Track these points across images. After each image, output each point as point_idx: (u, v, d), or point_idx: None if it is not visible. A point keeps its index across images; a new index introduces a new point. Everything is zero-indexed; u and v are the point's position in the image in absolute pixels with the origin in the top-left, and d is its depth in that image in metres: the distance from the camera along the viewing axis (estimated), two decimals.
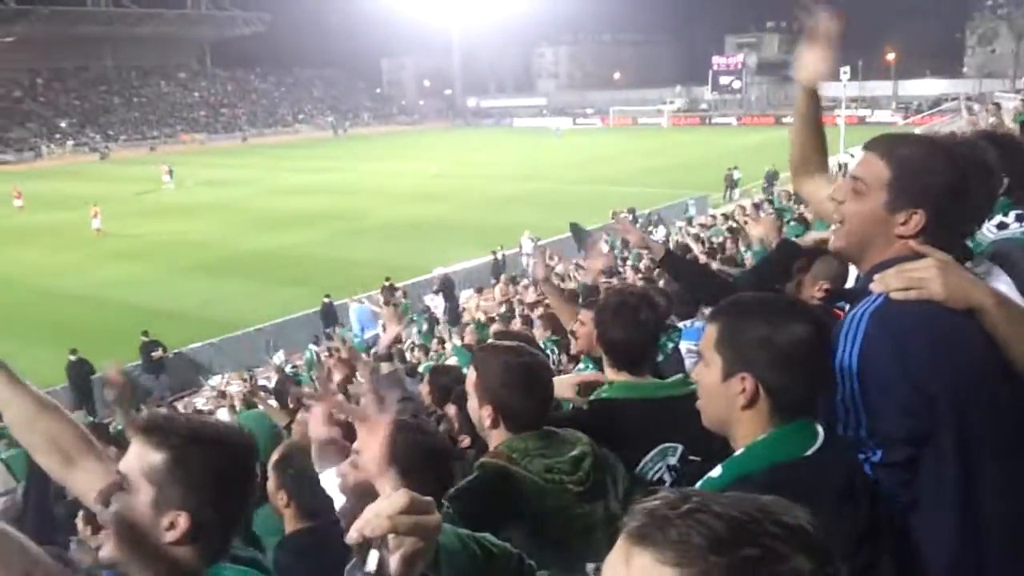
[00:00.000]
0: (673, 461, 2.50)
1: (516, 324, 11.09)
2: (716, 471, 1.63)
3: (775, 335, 1.60)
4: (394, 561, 1.08)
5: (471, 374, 2.29)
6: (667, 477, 2.49)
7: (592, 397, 2.71)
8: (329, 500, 2.77)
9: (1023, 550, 1.76)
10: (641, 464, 2.47)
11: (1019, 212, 2.79)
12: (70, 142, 74.87)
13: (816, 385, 1.67)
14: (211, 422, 1.76)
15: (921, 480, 1.72)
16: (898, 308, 1.73)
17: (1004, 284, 2.05)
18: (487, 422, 2.21)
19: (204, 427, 1.64)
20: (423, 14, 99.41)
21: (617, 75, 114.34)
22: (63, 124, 79.10)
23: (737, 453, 1.65)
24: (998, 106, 17.62)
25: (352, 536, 1.09)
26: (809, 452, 1.60)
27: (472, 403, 2.28)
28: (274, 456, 2.97)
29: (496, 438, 2.21)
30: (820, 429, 1.65)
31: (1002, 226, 2.78)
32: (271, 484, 2.90)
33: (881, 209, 1.82)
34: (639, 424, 2.51)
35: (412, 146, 66.61)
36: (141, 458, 1.56)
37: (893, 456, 1.69)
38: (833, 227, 1.97)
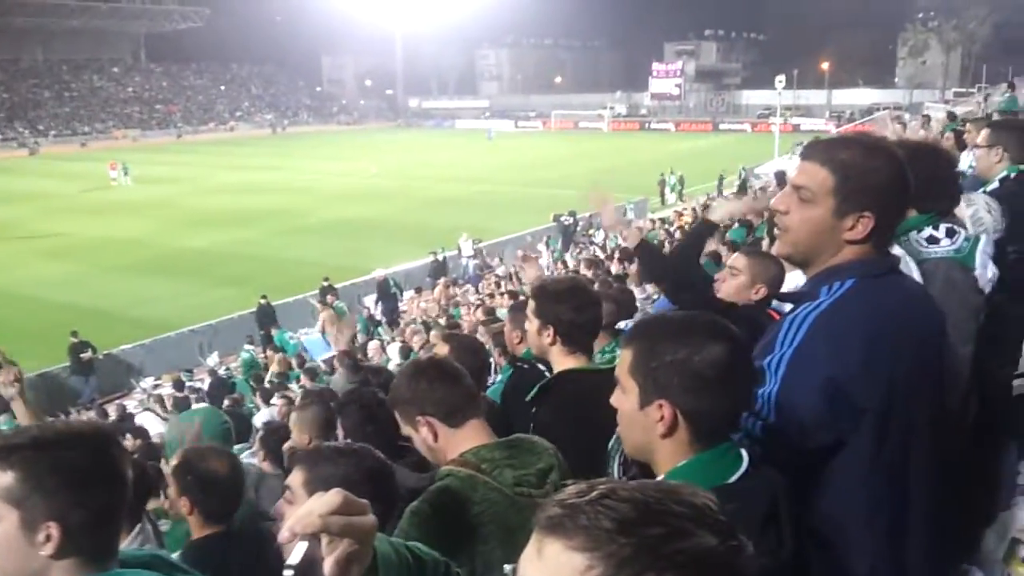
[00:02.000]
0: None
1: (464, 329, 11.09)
2: None
3: (690, 358, 1.52)
4: (328, 564, 1.07)
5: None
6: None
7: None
8: (237, 503, 2.74)
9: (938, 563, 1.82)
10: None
11: (948, 227, 2.77)
12: None
13: (738, 405, 1.61)
14: (55, 425, 1.71)
15: (836, 491, 1.75)
16: (844, 312, 1.75)
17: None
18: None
19: (45, 432, 1.57)
20: (365, 12, 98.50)
21: (559, 79, 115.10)
22: None
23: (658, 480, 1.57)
24: (927, 117, 18.22)
25: (283, 535, 1.07)
26: (732, 479, 1.54)
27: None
28: (172, 462, 2.91)
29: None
30: (743, 453, 1.58)
31: (932, 240, 2.74)
32: (172, 491, 2.84)
33: (829, 216, 1.81)
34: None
35: (352, 146, 66.06)
36: None
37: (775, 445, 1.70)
38: (776, 232, 1.95)
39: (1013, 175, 3.63)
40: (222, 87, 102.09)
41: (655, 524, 0.84)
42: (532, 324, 2.79)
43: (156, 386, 15.41)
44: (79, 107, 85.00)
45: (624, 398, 1.61)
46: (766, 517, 1.52)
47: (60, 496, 1.49)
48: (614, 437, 2.31)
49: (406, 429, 2.25)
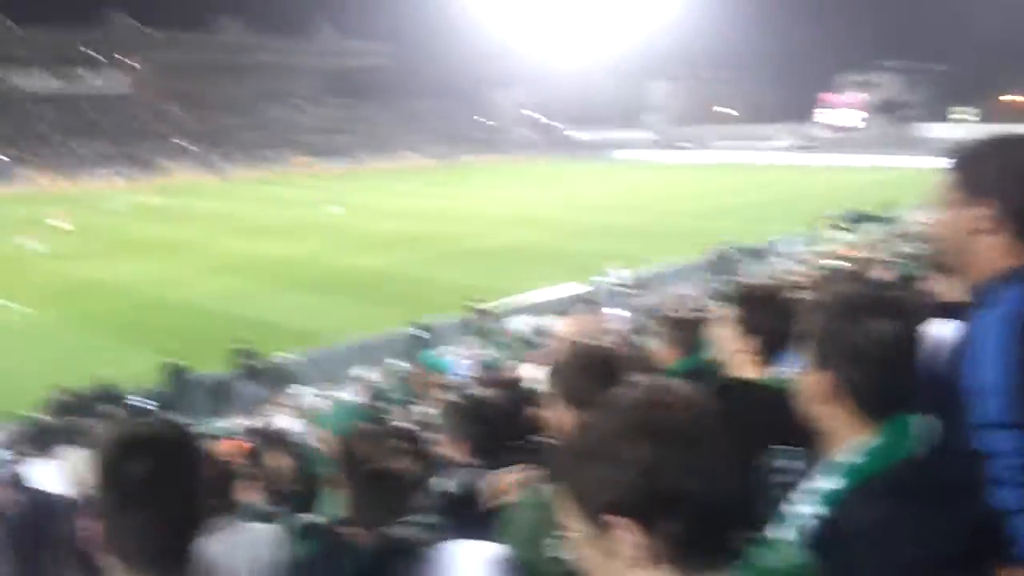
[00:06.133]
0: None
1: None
2: (836, 481, 1.61)
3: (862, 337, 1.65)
4: None
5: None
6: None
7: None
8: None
9: None
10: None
11: None
12: (191, 161, 79.05)
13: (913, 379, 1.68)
14: (137, 424, 1.70)
15: None
16: None
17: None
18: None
19: (122, 431, 1.60)
20: (532, 44, 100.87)
21: (727, 110, 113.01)
22: (191, 146, 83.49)
23: (857, 460, 1.63)
24: None
25: None
26: (925, 444, 1.61)
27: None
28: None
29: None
30: (926, 420, 1.64)
31: None
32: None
33: (956, 211, 1.81)
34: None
35: (517, 175, 67.39)
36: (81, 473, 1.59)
37: None
38: None
39: None
40: (397, 119, 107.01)
41: None
42: (729, 332, 2.64)
43: (313, 396, 16.12)
44: (267, 135, 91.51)
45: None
46: (968, 481, 1.55)
47: (107, 497, 1.53)
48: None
49: None
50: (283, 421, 11.18)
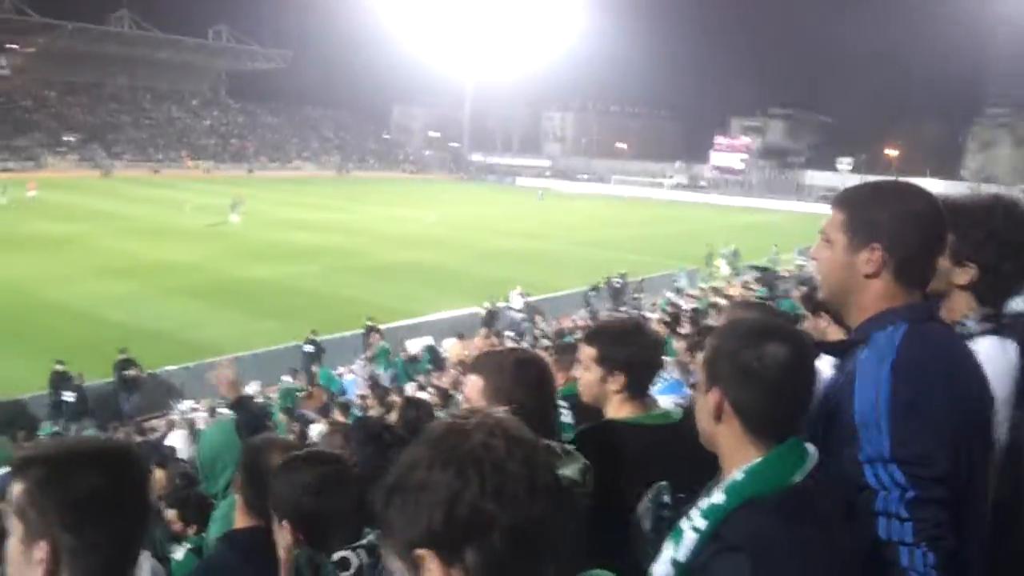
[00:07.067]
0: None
1: None
2: (718, 497, 1.62)
3: (753, 360, 1.65)
4: None
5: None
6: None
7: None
8: None
9: None
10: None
11: None
12: (74, 155, 75.31)
13: (802, 405, 1.71)
14: (79, 441, 1.64)
15: None
16: (919, 355, 1.76)
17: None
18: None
19: (63, 448, 1.50)
20: (437, 64, 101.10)
21: (622, 145, 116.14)
22: (69, 137, 79.51)
23: (737, 478, 1.63)
24: None
25: None
26: (807, 470, 1.63)
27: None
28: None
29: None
30: (810, 447, 1.67)
31: None
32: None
33: (843, 253, 1.88)
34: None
35: (414, 193, 67.12)
36: (11, 494, 1.45)
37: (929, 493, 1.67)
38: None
39: None
40: (294, 127, 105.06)
41: None
42: (592, 372, 2.54)
43: (193, 410, 15.55)
44: (156, 135, 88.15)
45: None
46: (849, 507, 1.64)
47: (53, 516, 1.42)
48: (647, 498, 2.25)
49: None
50: (175, 438, 10.75)
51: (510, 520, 1.12)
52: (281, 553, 2.32)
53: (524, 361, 2.29)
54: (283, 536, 2.33)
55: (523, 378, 2.23)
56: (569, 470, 2.07)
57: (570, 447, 2.22)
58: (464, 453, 1.13)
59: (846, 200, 1.92)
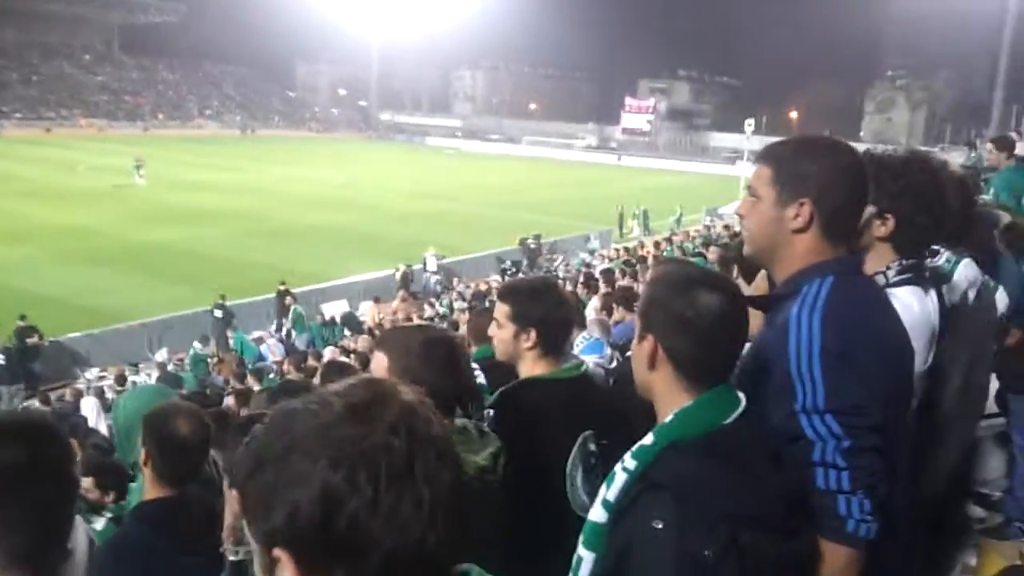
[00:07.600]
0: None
1: None
2: (648, 438, 1.64)
3: (687, 308, 1.66)
4: None
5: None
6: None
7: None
8: (193, 469, 2.70)
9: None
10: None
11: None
12: None
13: (734, 353, 1.74)
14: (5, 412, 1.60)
15: None
16: (846, 307, 1.80)
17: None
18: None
19: None
20: (343, 21, 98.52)
21: (534, 106, 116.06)
22: None
23: (667, 420, 1.66)
24: None
25: None
26: (735, 416, 1.65)
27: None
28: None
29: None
30: (740, 394, 1.69)
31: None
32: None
33: (772, 208, 1.89)
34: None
35: (321, 154, 65.67)
36: None
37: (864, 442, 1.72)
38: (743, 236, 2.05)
39: None
40: (194, 84, 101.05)
41: None
42: (506, 330, 2.53)
43: (101, 378, 15.10)
44: (46, 92, 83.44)
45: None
46: (773, 452, 1.67)
47: None
48: (572, 455, 2.33)
49: None
50: (84, 406, 10.43)
51: (396, 545, 0.90)
52: (228, 519, 2.28)
53: (432, 340, 2.25)
54: (232, 503, 2.33)
55: (431, 358, 2.18)
56: (481, 457, 2.11)
57: (485, 427, 2.28)
58: (359, 453, 0.88)
59: (773, 155, 1.92)
